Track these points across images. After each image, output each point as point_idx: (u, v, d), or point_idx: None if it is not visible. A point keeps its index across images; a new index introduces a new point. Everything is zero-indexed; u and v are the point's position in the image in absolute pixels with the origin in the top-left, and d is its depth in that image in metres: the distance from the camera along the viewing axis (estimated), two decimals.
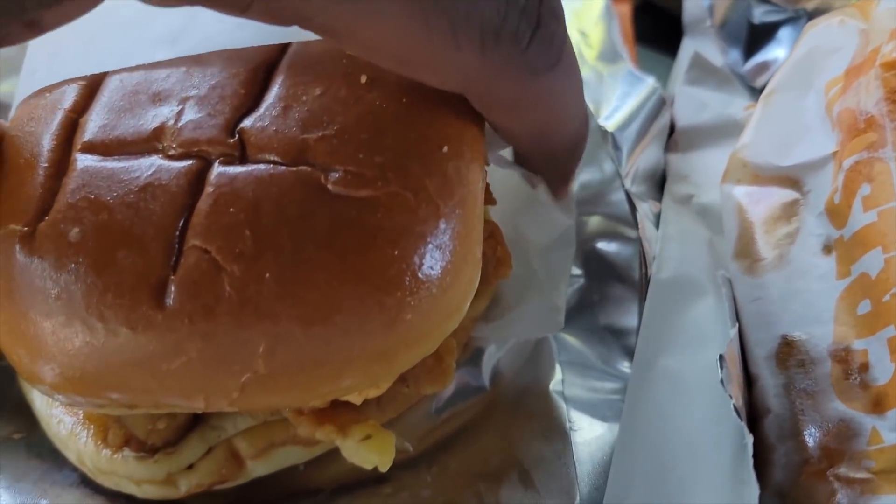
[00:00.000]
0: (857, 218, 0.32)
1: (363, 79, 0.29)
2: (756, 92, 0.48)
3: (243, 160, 0.28)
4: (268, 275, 0.26)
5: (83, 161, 0.29)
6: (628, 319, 0.42)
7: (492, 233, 0.36)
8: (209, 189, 0.27)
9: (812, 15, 0.49)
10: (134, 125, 0.29)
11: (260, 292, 0.26)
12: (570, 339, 0.42)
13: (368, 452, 0.32)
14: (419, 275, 0.27)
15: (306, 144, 0.28)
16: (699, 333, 0.36)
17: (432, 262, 0.28)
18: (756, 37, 0.50)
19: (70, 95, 0.31)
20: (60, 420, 0.35)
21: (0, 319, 0.29)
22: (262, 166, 0.28)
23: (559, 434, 0.38)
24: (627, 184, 0.42)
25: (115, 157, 0.29)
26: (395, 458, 0.38)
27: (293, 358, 0.27)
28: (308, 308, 0.27)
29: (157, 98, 0.30)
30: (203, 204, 0.27)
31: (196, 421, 0.35)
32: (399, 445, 0.38)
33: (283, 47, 0.31)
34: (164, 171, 0.28)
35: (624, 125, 0.43)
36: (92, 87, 0.31)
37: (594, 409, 0.38)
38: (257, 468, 0.36)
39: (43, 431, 0.37)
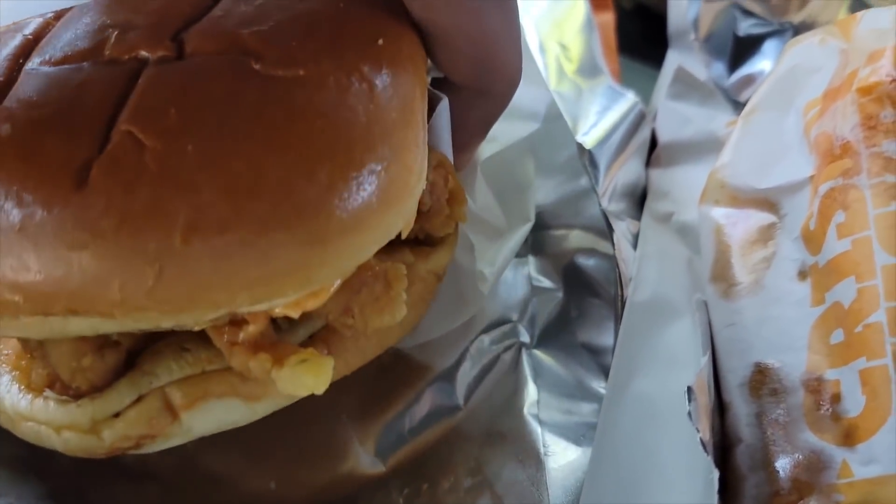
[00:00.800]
0: (831, 245, 0.32)
1: None
2: (740, 106, 0.48)
3: (179, 60, 0.28)
4: (190, 147, 0.26)
5: (27, 71, 0.29)
6: (606, 337, 0.41)
7: (440, 162, 0.35)
8: (141, 81, 0.27)
9: (798, 28, 0.49)
10: (81, 41, 0.30)
11: (181, 164, 0.26)
12: (547, 359, 0.41)
13: (304, 374, 0.30)
14: (353, 149, 0.27)
15: (239, 38, 0.28)
16: (674, 357, 0.36)
17: (367, 137, 0.27)
18: (741, 49, 0.50)
19: (32, 25, 0.31)
20: None
21: None
22: (193, 60, 0.28)
23: (533, 458, 0.37)
24: (605, 202, 0.41)
25: (59, 66, 0.29)
26: (368, 479, 0.38)
27: (216, 235, 0.26)
28: (232, 178, 0.26)
29: (107, 17, 0.30)
30: (134, 95, 0.27)
31: (127, 368, 0.32)
32: (371, 466, 0.38)
33: None
34: (102, 72, 0.28)
35: (602, 141, 0.43)
36: (54, 19, 0.32)
37: (569, 433, 0.38)
38: (194, 423, 0.32)
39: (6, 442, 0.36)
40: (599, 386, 0.40)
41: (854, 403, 0.29)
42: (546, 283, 0.44)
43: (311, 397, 0.35)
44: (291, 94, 0.27)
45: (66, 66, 0.29)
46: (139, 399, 0.32)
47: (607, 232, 0.43)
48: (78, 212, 0.26)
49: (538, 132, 0.44)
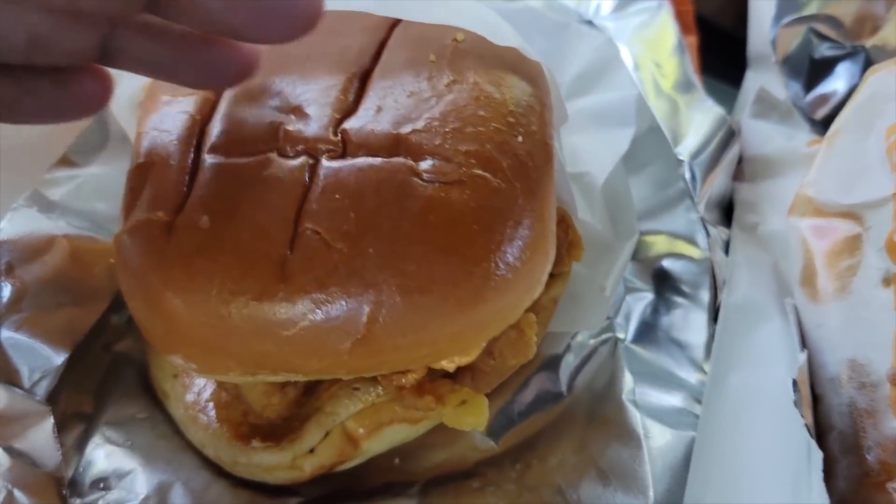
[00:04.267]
0: None
1: (445, 81, 0.34)
2: (816, 124, 0.52)
3: (345, 155, 0.33)
4: (371, 250, 0.30)
5: (210, 161, 0.33)
6: (694, 335, 0.45)
7: (562, 217, 0.40)
8: (318, 180, 0.32)
9: (870, 52, 0.52)
10: (252, 129, 0.34)
11: (364, 265, 0.30)
12: (641, 351, 0.45)
13: (465, 415, 0.36)
14: (502, 248, 0.31)
15: (399, 139, 0.32)
16: (766, 354, 0.40)
17: (513, 236, 0.32)
18: (816, 71, 0.53)
19: (193, 104, 0.35)
20: (200, 425, 0.39)
21: (139, 298, 0.33)
22: (362, 159, 0.32)
23: (633, 439, 0.41)
24: (701, 210, 0.45)
25: (238, 156, 0.33)
26: (483, 456, 0.42)
27: (394, 323, 0.31)
28: (406, 278, 0.30)
29: (271, 106, 0.35)
30: (314, 193, 0.32)
31: (309, 407, 0.38)
32: (485, 445, 0.43)
33: (376, 56, 0.36)
34: (280, 167, 0.33)
35: (696, 153, 0.47)
36: (210, 97, 0.36)
37: (665, 417, 0.42)
38: (371, 447, 0.39)
39: (165, 412, 0.41)
40: (690, 377, 0.44)
41: None
42: (638, 284, 0.48)
43: None
44: (450, 199, 0.31)
45: (244, 158, 0.33)
46: (327, 435, 0.38)
47: (692, 237, 0.48)
48: (283, 304, 0.31)
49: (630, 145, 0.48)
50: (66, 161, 0.46)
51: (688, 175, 0.46)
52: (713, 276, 0.43)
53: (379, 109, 0.34)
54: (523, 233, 0.32)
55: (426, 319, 0.31)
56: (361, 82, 0.35)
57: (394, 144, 0.32)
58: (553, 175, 0.35)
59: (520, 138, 0.33)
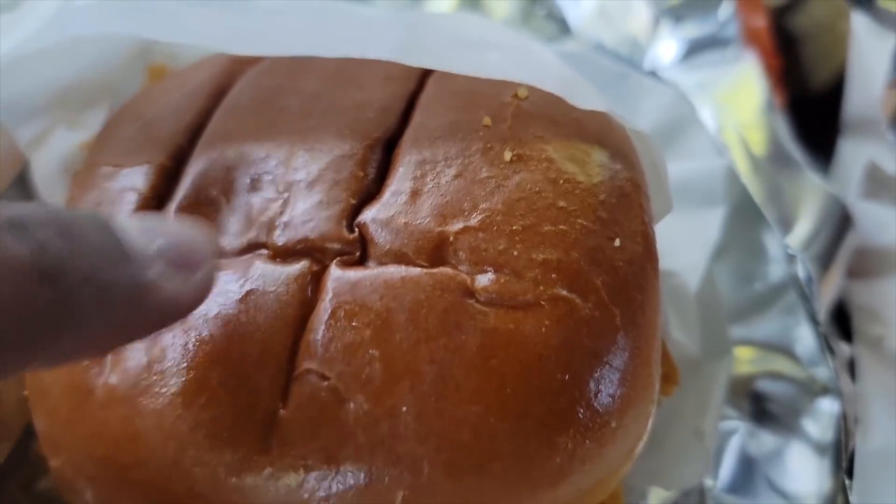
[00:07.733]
0: None
1: (507, 156, 0.25)
2: None
3: (366, 260, 0.24)
4: (404, 408, 0.22)
5: None
6: (803, 483, 0.35)
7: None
8: (325, 298, 0.23)
9: None
10: (229, 218, 0.25)
11: (395, 432, 0.22)
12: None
13: None
14: (595, 405, 0.23)
15: (444, 239, 0.24)
16: None
17: (610, 388, 0.23)
18: None
19: (143, 177, 0.27)
20: None
21: (66, 458, 0.25)
22: (390, 268, 0.23)
23: None
24: (822, 320, 0.35)
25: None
26: None
27: None
28: (458, 453, 0.22)
29: (257, 183, 0.26)
30: (318, 317, 0.23)
31: None
32: None
33: (404, 115, 0.27)
34: (269, 277, 0.24)
35: (807, 244, 0.37)
36: (168, 166, 0.27)
37: None
38: None
39: None
40: None
41: None
42: (726, 411, 0.37)
43: None
44: (522, 333, 0.22)
45: (225, 276, 0.24)
46: None
47: (793, 348, 0.38)
48: (273, 482, 0.22)
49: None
50: None
51: (801, 273, 0.36)
52: (842, 416, 0.33)
53: (414, 194, 0.25)
54: (624, 381, 0.23)
55: None
56: (385, 153, 0.26)
57: (437, 247, 0.24)
58: (660, 294, 0.25)
59: (617, 242, 0.24)
